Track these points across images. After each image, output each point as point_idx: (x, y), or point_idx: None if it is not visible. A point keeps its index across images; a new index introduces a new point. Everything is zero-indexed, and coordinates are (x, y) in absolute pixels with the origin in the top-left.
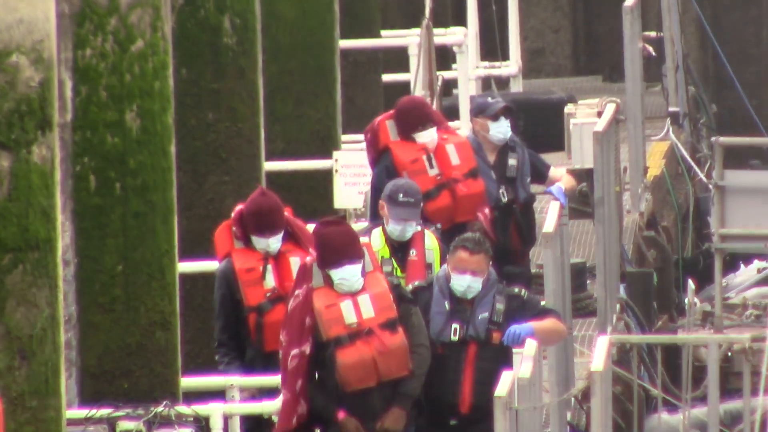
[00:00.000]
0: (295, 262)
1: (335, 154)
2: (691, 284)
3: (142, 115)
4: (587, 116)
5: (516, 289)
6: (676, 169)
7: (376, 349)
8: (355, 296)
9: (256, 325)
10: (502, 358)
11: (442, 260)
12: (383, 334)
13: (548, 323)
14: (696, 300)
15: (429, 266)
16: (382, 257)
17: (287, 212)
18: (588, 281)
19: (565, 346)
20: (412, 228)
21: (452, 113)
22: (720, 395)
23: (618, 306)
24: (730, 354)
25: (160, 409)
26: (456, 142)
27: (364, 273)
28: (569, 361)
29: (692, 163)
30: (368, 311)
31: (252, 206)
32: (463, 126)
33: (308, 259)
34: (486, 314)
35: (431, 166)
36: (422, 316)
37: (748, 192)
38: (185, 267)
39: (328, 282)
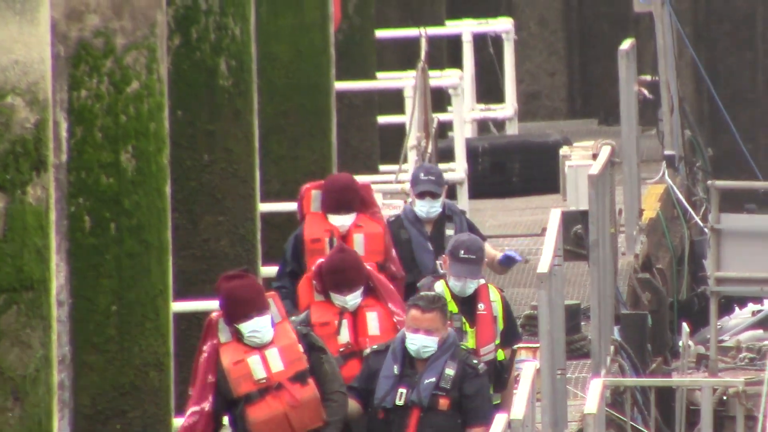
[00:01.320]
0: (372, 317)
1: None
2: (685, 327)
3: (137, 155)
4: (582, 158)
5: (475, 361)
6: (671, 212)
7: (288, 403)
8: (263, 350)
9: None
10: (450, 424)
11: (505, 311)
12: (293, 388)
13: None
14: (690, 343)
15: (495, 319)
16: (451, 313)
17: (370, 267)
18: (582, 323)
19: (559, 387)
20: (473, 284)
21: (447, 156)
22: None
23: (612, 348)
24: (724, 398)
25: None
26: (368, 232)
27: (273, 324)
28: (562, 403)
29: (688, 206)
30: (277, 365)
31: (330, 263)
32: (458, 168)
33: (214, 314)
34: (433, 379)
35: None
36: (373, 382)
37: (744, 235)
38: (179, 307)
39: (237, 336)
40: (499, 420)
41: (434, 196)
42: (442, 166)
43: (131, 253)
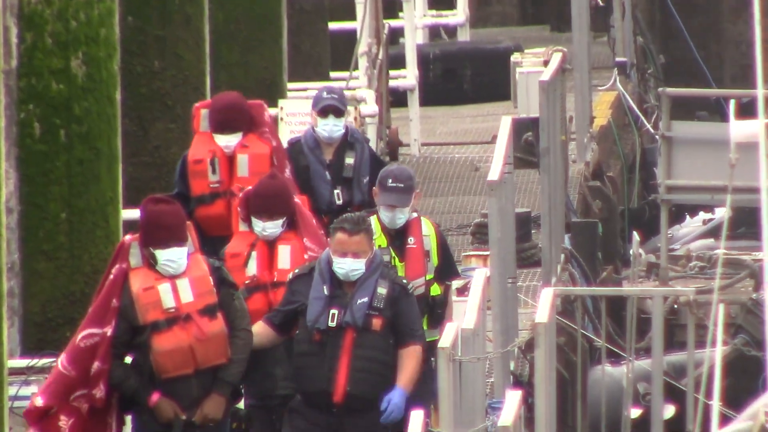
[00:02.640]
0: (284, 251)
1: (281, 102)
2: (636, 235)
3: (87, 62)
4: (534, 65)
5: (405, 280)
6: (622, 120)
7: (194, 335)
8: (175, 279)
9: None
10: (383, 345)
11: (440, 246)
12: (201, 321)
13: (410, 369)
14: (641, 251)
15: (427, 254)
16: (380, 246)
17: (301, 201)
18: (533, 231)
19: (509, 296)
20: (403, 215)
21: (398, 62)
22: (665, 348)
23: (563, 256)
24: (675, 306)
25: None
26: (254, 153)
27: (188, 256)
28: (513, 312)
29: (639, 114)
30: (187, 296)
31: (258, 188)
32: (409, 74)
33: (127, 237)
34: (365, 299)
35: (213, 172)
36: (299, 304)
37: (695, 143)
38: (129, 215)
39: (148, 262)
40: (450, 329)
41: (337, 113)
42: (393, 72)
43: (81, 160)
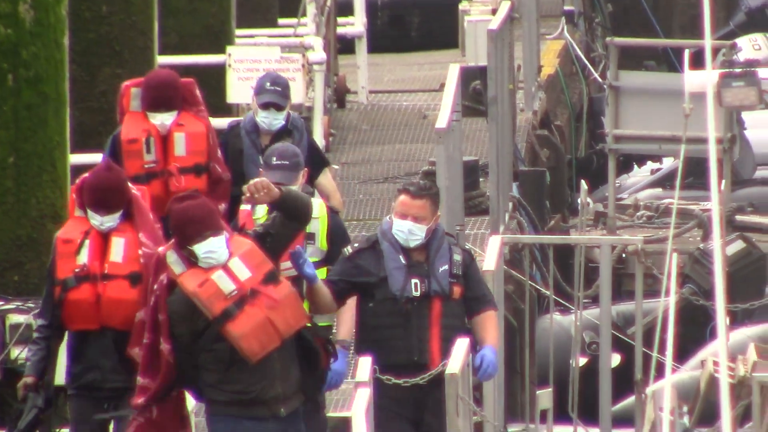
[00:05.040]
0: (118, 243)
1: (229, 48)
2: (583, 184)
3: (35, 6)
4: (482, 13)
5: (466, 245)
6: (570, 69)
7: (266, 306)
8: (225, 264)
9: (59, 300)
10: (462, 312)
11: (330, 231)
12: (267, 289)
13: (494, 329)
14: (589, 200)
15: (311, 236)
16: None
17: (140, 193)
18: (481, 179)
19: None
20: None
21: (346, 9)
22: (612, 297)
23: (510, 205)
24: (623, 255)
25: None
26: (190, 132)
27: (228, 245)
28: None
29: (587, 63)
30: (244, 273)
31: (94, 180)
32: (357, 22)
33: (160, 249)
34: (446, 267)
35: (148, 151)
36: (369, 277)
37: (642, 93)
38: (77, 159)
39: (190, 263)
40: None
41: (279, 108)
42: (340, 20)
43: (29, 105)
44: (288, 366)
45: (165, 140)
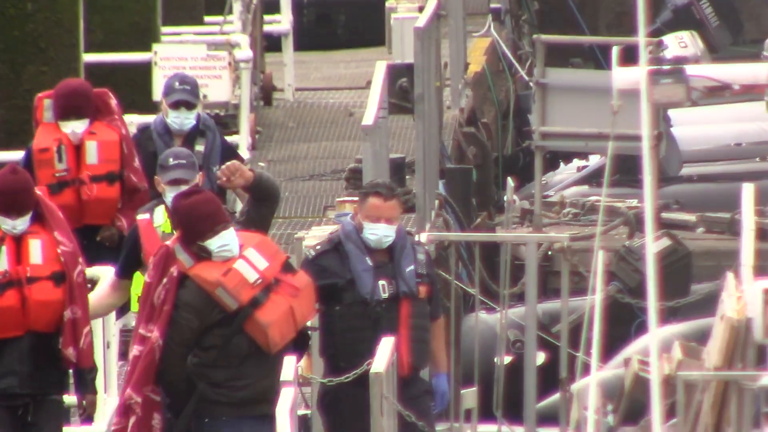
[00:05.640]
0: (35, 245)
1: (155, 46)
2: (510, 181)
3: None
4: (408, 11)
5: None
6: (497, 66)
7: (290, 294)
8: (242, 254)
9: None
10: (427, 312)
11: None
12: (287, 278)
13: (443, 350)
14: (515, 197)
15: None
16: (164, 233)
17: (40, 192)
18: (407, 177)
19: None
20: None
21: (273, 7)
22: (539, 295)
23: (437, 202)
24: (549, 253)
25: None
26: (102, 140)
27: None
28: None
29: (513, 60)
30: (262, 263)
31: (1, 185)
32: (283, 19)
33: (168, 243)
34: (412, 267)
35: (60, 160)
36: (335, 279)
37: (568, 90)
38: (2, 157)
39: (198, 257)
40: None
41: (189, 106)
42: (267, 17)
43: None
44: (281, 362)
45: (77, 149)
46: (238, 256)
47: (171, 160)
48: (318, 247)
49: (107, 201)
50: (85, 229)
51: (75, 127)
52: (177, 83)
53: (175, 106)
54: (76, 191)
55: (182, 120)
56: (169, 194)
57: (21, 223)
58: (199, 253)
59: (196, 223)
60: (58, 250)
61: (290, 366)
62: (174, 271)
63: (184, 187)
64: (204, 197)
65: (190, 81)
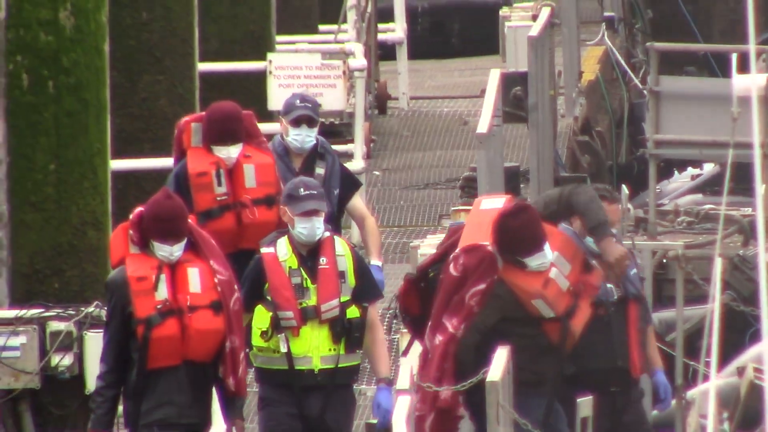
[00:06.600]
0: (193, 273)
1: (269, 55)
2: (624, 190)
3: (76, 13)
4: (522, 19)
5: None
6: (610, 74)
7: (590, 296)
8: (551, 263)
9: (143, 340)
10: (647, 315)
11: (357, 267)
12: (587, 279)
13: (654, 342)
14: (629, 206)
15: (342, 274)
16: (290, 268)
17: (191, 220)
18: (522, 185)
19: None
20: (321, 225)
21: (387, 16)
22: (654, 303)
23: None
24: (664, 261)
25: (91, 309)
26: (258, 163)
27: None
28: None
29: (627, 69)
30: (566, 266)
31: (157, 210)
32: (397, 28)
33: (488, 246)
34: (635, 270)
35: (219, 184)
36: None
37: (682, 98)
38: (117, 166)
39: (512, 262)
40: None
41: (311, 123)
42: (381, 26)
43: (70, 112)
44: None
45: (232, 173)
46: (550, 264)
47: (302, 190)
48: None
49: (267, 224)
50: (240, 254)
51: (230, 152)
52: (298, 101)
53: (297, 123)
54: (236, 215)
55: (303, 138)
56: (300, 225)
57: (178, 250)
58: (512, 261)
59: (520, 243)
60: (216, 279)
61: (406, 374)
62: (497, 276)
63: (315, 219)
64: (531, 217)
65: (311, 99)
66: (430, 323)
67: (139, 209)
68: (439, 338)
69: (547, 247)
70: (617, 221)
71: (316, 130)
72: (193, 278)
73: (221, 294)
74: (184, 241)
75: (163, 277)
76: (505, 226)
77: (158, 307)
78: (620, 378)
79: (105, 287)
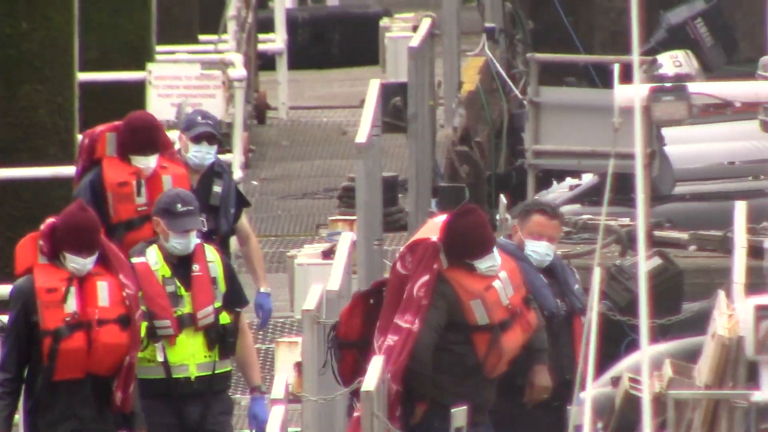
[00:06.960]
0: (102, 287)
1: (149, 65)
2: (503, 199)
3: None
4: (403, 30)
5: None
6: (491, 85)
7: (524, 330)
8: (496, 276)
9: (50, 351)
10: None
11: (226, 273)
12: (526, 313)
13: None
14: (507, 216)
15: (214, 280)
16: (163, 276)
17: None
18: (400, 195)
19: (375, 259)
20: (194, 239)
21: (267, 26)
22: None
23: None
24: None
25: None
26: (175, 173)
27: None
28: (378, 275)
29: (507, 79)
30: (510, 289)
31: (71, 221)
32: (278, 38)
33: (434, 238)
34: (577, 285)
35: (139, 194)
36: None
37: (562, 109)
38: None
39: (459, 263)
40: (314, 291)
41: (211, 140)
42: (261, 36)
43: None
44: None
45: (149, 183)
46: (496, 276)
47: (180, 206)
48: None
49: None
50: None
51: (149, 162)
52: (199, 117)
53: (198, 139)
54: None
55: (203, 154)
56: (175, 240)
57: (90, 262)
58: (460, 264)
59: (470, 244)
60: (124, 293)
61: (280, 384)
62: (437, 267)
63: (191, 234)
64: (480, 219)
65: (212, 116)
66: (378, 325)
67: (50, 220)
68: (393, 338)
69: (496, 250)
70: (557, 236)
71: (216, 147)
72: (102, 292)
73: (129, 308)
74: (96, 254)
75: (72, 289)
76: (454, 227)
77: (67, 319)
78: (567, 392)
79: (10, 294)
